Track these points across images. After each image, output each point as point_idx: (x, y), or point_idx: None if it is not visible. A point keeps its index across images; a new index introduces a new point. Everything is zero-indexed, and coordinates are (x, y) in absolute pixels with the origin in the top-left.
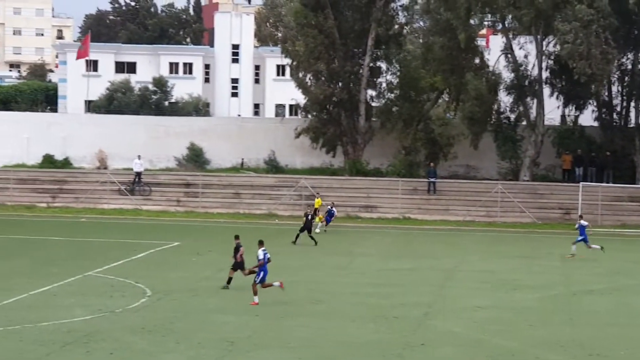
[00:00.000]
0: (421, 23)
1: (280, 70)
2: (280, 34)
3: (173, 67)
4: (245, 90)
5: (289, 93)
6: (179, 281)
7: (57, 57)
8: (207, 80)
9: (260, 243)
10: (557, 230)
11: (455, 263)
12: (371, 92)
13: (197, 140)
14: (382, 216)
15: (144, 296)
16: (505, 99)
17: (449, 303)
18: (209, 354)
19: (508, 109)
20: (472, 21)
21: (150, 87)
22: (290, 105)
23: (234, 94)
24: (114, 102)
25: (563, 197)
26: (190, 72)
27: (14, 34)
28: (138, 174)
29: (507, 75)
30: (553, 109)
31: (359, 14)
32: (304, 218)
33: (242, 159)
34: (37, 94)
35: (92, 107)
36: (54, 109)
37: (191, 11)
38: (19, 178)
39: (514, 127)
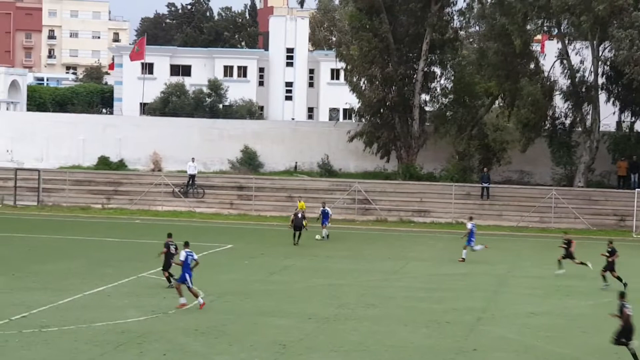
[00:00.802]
0: (476, 28)
1: (335, 74)
2: (334, 38)
3: (228, 70)
4: (299, 94)
5: (343, 97)
6: (232, 283)
7: (113, 59)
8: (261, 83)
9: (186, 244)
10: (612, 237)
11: (508, 269)
12: (425, 97)
13: (251, 143)
14: (435, 221)
15: (197, 298)
16: (560, 104)
17: (502, 309)
18: (261, 357)
19: (563, 114)
20: (527, 26)
21: (205, 90)
22: (344, 109)
23: (288, 98)
24: (169, 105)
25: (618, 204)
26: (245, 76)
27: (71, 36)
28: (192, 177)
29: (562, 81)
30: (609, 115)
31: (413, 18)
32: (293, 217)
33: (296, 162)
34: (93, 96)
35: (147, 109)
36: (109, 111)
37: (246, 15)
38: (75, 179)
39: (569, 132)
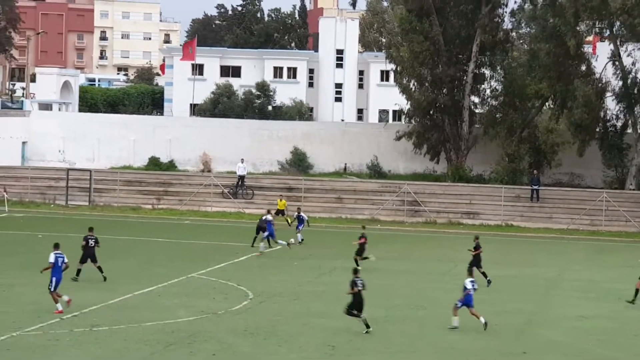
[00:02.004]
0: (527, 29)
1: (384, 75)
2: (384, 40)
3: (277, 71)
4: (348, 95)
5: (393, 98)
6: (281, 284)
7: (164, 60)
8: (311, 84)
9: (55, 246)
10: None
11: (558, 271)
12: (475, 99)
13: (300, 144)
14: (484, 223)
15: (246, 299)
16: (611, 106)
17: (552, 312)
18: (310, 358)
19: (614, 116)
20: (579, 27)
21: (254, 91)
22: (394, 111)
23: (338, 99)
24: (219, 106)
25: None
26: (295, 77)
27: (122, 37)
28: (241, 178)
29: (614, 83)
30: None
31: (464, 20)
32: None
33: (345, 163)
34: (144, 97)
35: (197, 110)
36: (160, 112)
37: (296, 16)
38: (126, 180)
39: (621, 135)
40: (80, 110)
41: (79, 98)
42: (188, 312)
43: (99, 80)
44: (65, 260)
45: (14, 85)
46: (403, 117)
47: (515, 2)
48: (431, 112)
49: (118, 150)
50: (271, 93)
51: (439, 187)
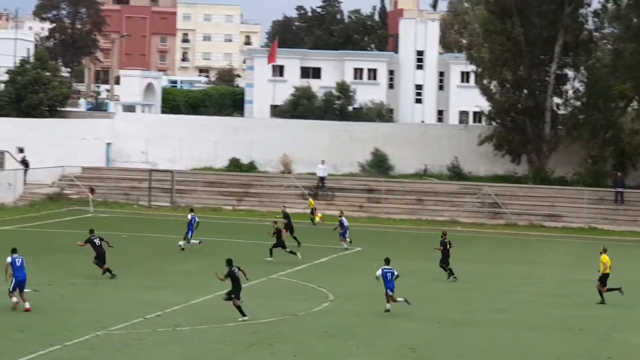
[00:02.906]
0: (611, 29)
1: (465, 76)
2: (465, 41)
3: (357, 72)
4: (429, 97)
5: (473, 100)
6: (361, 286)
7: (244, 62)
8: (391, 86)
9: (13, 251)
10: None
11: None
12: (557, 100)
13: (381, 146)
14: (566, 225)
15: (326, 300)
16: None
17: (637, 316)
18: None
19: None
20: None
21: (335, 92)
22: (474, 112)
23: (418, 100)
24: (299, 107)
25: None
26: (375, 78)
27: (204, 39)
28: (322, 179)
29: None
30: None
31: (546, 20)
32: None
33: (425, 165)
34: (225, 98)
35: (277, 111)
36: (240, 113)
37: (376, 17)
38: (207, 181)
39: None
40: (162, 112)
41: (162, 100)
42: (269, 313)
43: (181, 82)
44: (23, 261)
45: (98, 87)
46: (484, 118)
47: (599, 1)
48: (512, 113)
49: (199, 152)
50: (351, 94)
51: (520, 189)
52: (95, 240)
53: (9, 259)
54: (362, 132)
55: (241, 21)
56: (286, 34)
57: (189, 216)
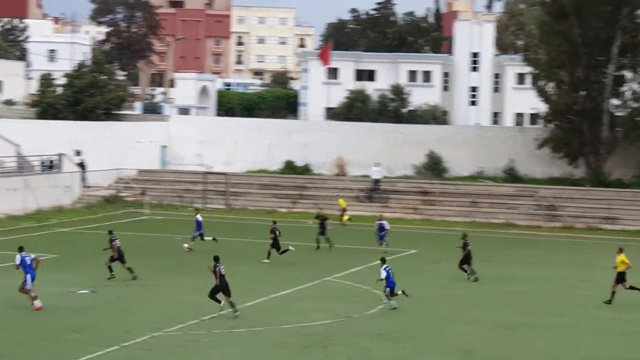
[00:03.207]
0: None
1: (521, 78)
2: (521, 42)
3: (412, 75)
4: (484, 99)
5: (529, 102)
6: (415, 289)
7: (298, 65)
8: (445, 88)
9: (20, 249)
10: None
11: None
12: (615, 101)
13: (435, 148)
14: (624, 228)
15: (381, 303)
16: None
17: None
18: None
19: None
20: None
21: (389, 94)
22: (530, 114)
23: (473, 103)
24: (353, 110)
25: None
26: (429, 80)
27: (258, 42)
28: (376, 181)
29: None
30: None
31: (603, 21)
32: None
33: (480, 167)
34: (279, 101)
35: (331, 114)
36: (295, 115)
37: (431, 19)
38: (262, 183)
39: None
40: (217, 115)
41: (216, 102)
42: (323, 315)
43: (235, 85)
44: (32, 257)
45: (154, 90)
46: (540, 120)
47: None
48: (569, 115)
49: (254, 154)
50: (406, 96)
51: (577, 191)
52: (115, 240)
53: (18, 259)
54: (416, 135)
55: (295, 24)
56: (340, 37)
57: (198, 217)
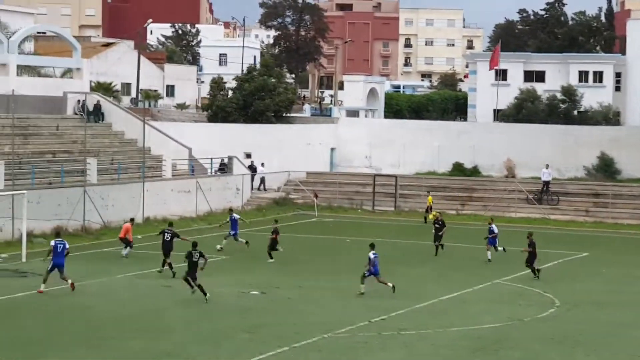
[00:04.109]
0: None
1: None
2: None
3: (582, 75)
4: None
5: None
6: (587, 293)
7: (467, 66)
8: (617, 88)
9: (56, 234)
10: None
11: None
12: None
13: (607, 149)
14: None
15: (553, 306)
16: None
17: None
18: None
19: None
20: None
21: (559, 96)
22: None
23: None
24: (522, 111)
25: None
26: (600, 81)
27: (426, 44)
28: (546, 183)
29: None
30: None
31: None
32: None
33: None
34: (447, 103)
35: (500, 115)
36: (463, 117)
37: (602, 18)
38: (430, 185)
39: None
40: (385, 117)
41: (385, 104)
42: (494, 318)
43: (403, 87)
44: (67, 246)
45: (322, 93)
46: None
47: None
48: None
49: (422, 156)
50: (577, 98)
51: None
52: (166, 234)
53: (52, 243)
54: (587, 136)
55: (463, 25)
56: (509, 38)
57: (235, 216)
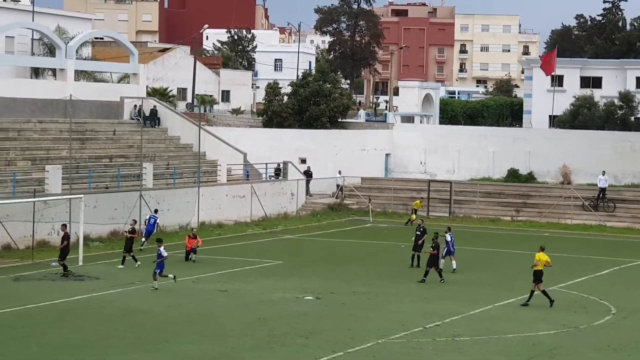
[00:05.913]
0: None
1: None
2: None
3: None
4: None
5: None
6: None
7: (522, 72)
8: None
9: (155, 211)
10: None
11: None
12: None
13: None
14: None
15: (609, 314)
16: None
17: None
18: None
19: None
20: None
21: (616, 102)
22: None
23: None
24: (579, 117)
25: None
26: None
27: (481, 50)
28: (602, 190)
29: None
30: None
31: None
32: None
33: None
34: (502, 109)
35: (556, 122)
36: (518, 123)
37: None
38: (485, 191)
39: None
40: (440, 123)
41: (440, 110)
42: (549, 325)
43: (458, 93)
44: (158, 221)
45: (377, 98)
46: None
47: None
48: None
49: (477, 162)
50: (634, 104)
51: None
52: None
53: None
54: None
55: (519, 31)
56: (565, 43)
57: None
